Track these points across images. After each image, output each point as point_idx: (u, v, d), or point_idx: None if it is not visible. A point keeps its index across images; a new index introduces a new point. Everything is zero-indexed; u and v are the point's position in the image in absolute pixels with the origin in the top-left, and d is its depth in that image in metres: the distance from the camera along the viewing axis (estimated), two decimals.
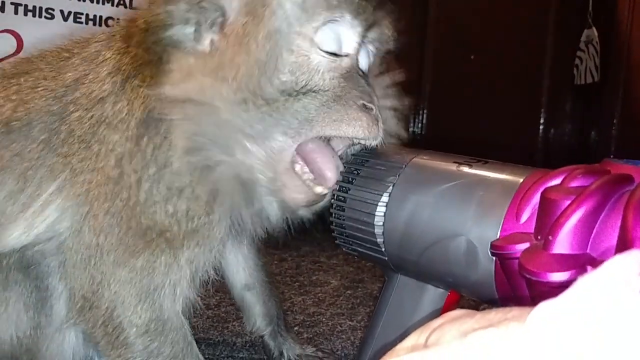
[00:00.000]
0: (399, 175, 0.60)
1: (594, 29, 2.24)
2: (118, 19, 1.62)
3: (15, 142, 0.67)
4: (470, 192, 0.54)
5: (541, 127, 2.37)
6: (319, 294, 1.32)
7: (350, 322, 1.15)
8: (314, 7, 0.60)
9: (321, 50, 0.61)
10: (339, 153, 0.67)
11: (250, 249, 0.92)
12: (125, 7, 1.70)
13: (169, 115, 0.62)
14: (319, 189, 0.65)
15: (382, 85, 0.71)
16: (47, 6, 1.63)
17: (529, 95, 2.35)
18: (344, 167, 0.65)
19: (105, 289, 0.64)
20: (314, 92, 0.61)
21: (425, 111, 2.24)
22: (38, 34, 1.54)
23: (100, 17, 1.68)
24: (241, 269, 0.93)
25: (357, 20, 0.63)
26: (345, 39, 0.63)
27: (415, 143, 2.25)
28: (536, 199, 0.49)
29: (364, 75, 0.66)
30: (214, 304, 1.19)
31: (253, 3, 0.61)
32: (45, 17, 1.63)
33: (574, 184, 0.46)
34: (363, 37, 0.65)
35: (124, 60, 0.65)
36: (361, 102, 0.62)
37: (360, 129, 0.62)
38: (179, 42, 0.63)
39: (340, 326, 1.13)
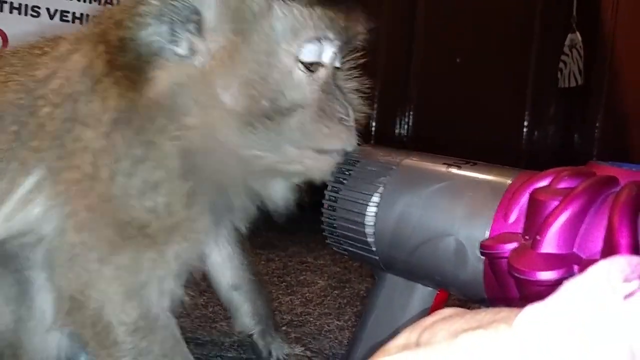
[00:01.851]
0: (389, 176, 0.61)
1: (577, 33, 2.27)
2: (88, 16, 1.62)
3: None
4: (459, 193, 0.55)
5: (525, 129, 2.40)
6: (307, 294, 1.33)
7: (337, 322, 1.16)
8: (301, 27, 0.64)
9: (301, 64, 0.65)
10: None
11: (235, 249, 0.92)
12: (112, 5, 1.69)
13: (155, 122, 0.63)
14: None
15: (346, 69, 0.74)
16: (33, 4, 1.62)
17: (513, 97, 2.37)
18: (335, 167, 0.66)
19: (92, 289, 0.64)
20: (301, 107, 0.65)
21: (411, 113, 2.26)
22: (24, 31, 1.54)
23: (87, 15, 1.67)
24: (227, 269, 0.92)
25: (337, 40, 0.67)
26: (323, 52, 0.66)
27: (401, 144, 2.26)
28: (524, 199, 0.50)
29: (336, 82, 0.70)
30: (202, 303, 1.19)
31: (240, 19, 0.63)
32: (31, 15, 1.62)
33: (562, 185, 0.48)
34: (340, 49, 0.68)
35: (94, 62, 0.65)
36: (340, 115, 0.66)
37: (343, 141, 0.67)
38: (154, 43, 0.63)
39: (328, 326, 1.14)
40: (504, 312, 0.32)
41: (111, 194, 0.63)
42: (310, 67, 0.65)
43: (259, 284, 0.96)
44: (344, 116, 0.67)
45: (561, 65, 2.33)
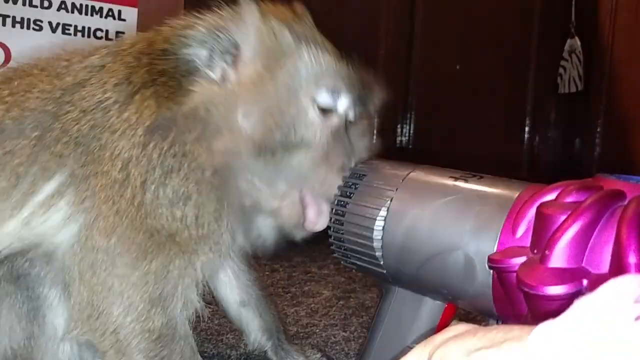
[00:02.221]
0: (397, 190, 0.61)
1: (576, 38, 2.28)
2: (122, 32, 1.63)
3: (8, 139, 0.68)
4: (467, 207, 0.56)
5: (526, 135, 2.40)
6: (312, 305, 1.33)
7: (343, 333, 1.16)
8: (322, 74, 0.69)
9: (318, 107, 0.69)
10: None
11: (241, 265, 0.92)
12: (114, 18, 1.70)
13: (191, 134, 0.66)
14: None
15: (361, 129, 0.77)
16: (36, 17, 1.63)
17: (514, 103, 2.38)
18: (343, 182, 0.66)
19: (116, 294, 0.64)
20: (306, 146, 0.69)
21: (412, 120, 2.27)
22: (26, 45, 1.54)
23: (89, 28, 1.67)
24: (234, 287, 0.92)
25: (351, 97, 0.71)
26: (339, 102, 0.71)
27: (402, 152, 2.25)
28: (531, 213, 0.51)
29: (347, 132, 0.74)
30: (207, 316, 1.18)
31: (271, 57, 0.68)
32: (34, 29, 1.63)
33: (569, 199, 0.48)
34: (355, 103, 0.73)
35: (136, 72, 0.68)
36: (341, 162, 0.70)
37: (331, 193, 0.69)
38: (191, 62, 0.68)
39: (334, 337, 1.14)
40: (515, 330, 0.32)
41: (142, 201, 0.65)
42: (325, 112, 0.70)
43: (267, 299, 0.96)
44: (344, 163, 0.70)
45: (561, 70, 2.34)
